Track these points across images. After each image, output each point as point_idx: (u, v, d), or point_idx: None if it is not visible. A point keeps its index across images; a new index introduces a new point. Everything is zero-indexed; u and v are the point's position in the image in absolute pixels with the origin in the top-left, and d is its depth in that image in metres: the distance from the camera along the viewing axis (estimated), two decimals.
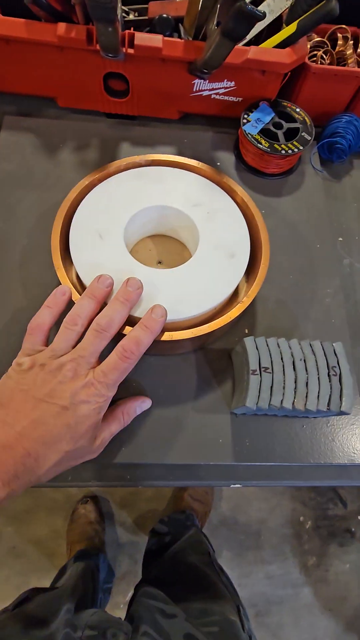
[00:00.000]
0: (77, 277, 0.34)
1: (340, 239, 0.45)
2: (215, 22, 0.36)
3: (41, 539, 1.05)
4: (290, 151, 0.43)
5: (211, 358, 0.37)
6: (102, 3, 0.29)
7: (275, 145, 0.43)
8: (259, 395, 0.29)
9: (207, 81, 0.45)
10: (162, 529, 0.94)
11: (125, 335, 0.29)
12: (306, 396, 0.30)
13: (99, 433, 0.29)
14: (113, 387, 0.28)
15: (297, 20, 0.39)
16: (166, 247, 0.40)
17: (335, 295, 0.41)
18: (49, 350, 0.28)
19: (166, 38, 0.39)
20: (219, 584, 0.61)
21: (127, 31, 0.39)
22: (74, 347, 0.29)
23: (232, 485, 0.36)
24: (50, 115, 0.49)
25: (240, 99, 0.47)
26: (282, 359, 0.31)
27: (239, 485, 0.36)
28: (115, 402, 0.32)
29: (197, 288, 0.32)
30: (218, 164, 0.46)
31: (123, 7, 0.40)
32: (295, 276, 0.41)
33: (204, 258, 0.34)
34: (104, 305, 0.30)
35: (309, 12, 0.38)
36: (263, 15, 0.30)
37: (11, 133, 0.45)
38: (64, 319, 0.29)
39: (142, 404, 0.33)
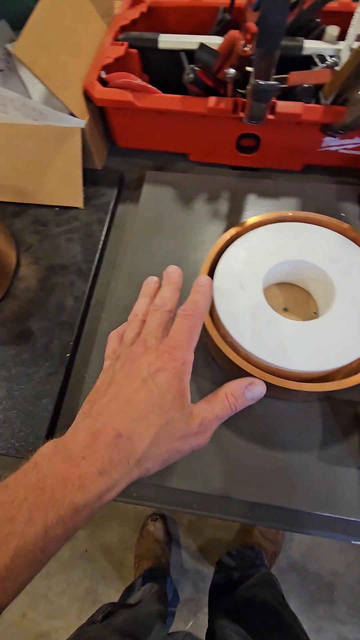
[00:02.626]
0: (217, 322, 0.37)
1: None
2: None
3: (111, 547, 1.10)
4: None
5: (336, 409, 0.37)
6: (268, 88, 0.34)
7: None
8: None
9: (338, 138, 0.47)
10: (229, 562, 0.93)
11: None
12: None
13: (195, 410, 0.27)
14: (187, 349, 0.27)
15: None
16: (292, 294, 0.42)
17: None
18: (121, 345, 0.30)
19: (306, 104, 0.43)
20: (296, 628, 0.58)
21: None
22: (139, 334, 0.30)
23: (352, 542, 0.35)
24: (181, 168, 0.55)
25: None
26: None
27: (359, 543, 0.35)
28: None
29: (331, 343, 0.34)
30: (342, 214, 0.48)
31: None
32: None
33: (340, 313, 0.35)
34: None
35: None
36: None
37: (152, 186, 0.52)
38: (128, 318, 0.32)
39: (251, 387, 0.28)
